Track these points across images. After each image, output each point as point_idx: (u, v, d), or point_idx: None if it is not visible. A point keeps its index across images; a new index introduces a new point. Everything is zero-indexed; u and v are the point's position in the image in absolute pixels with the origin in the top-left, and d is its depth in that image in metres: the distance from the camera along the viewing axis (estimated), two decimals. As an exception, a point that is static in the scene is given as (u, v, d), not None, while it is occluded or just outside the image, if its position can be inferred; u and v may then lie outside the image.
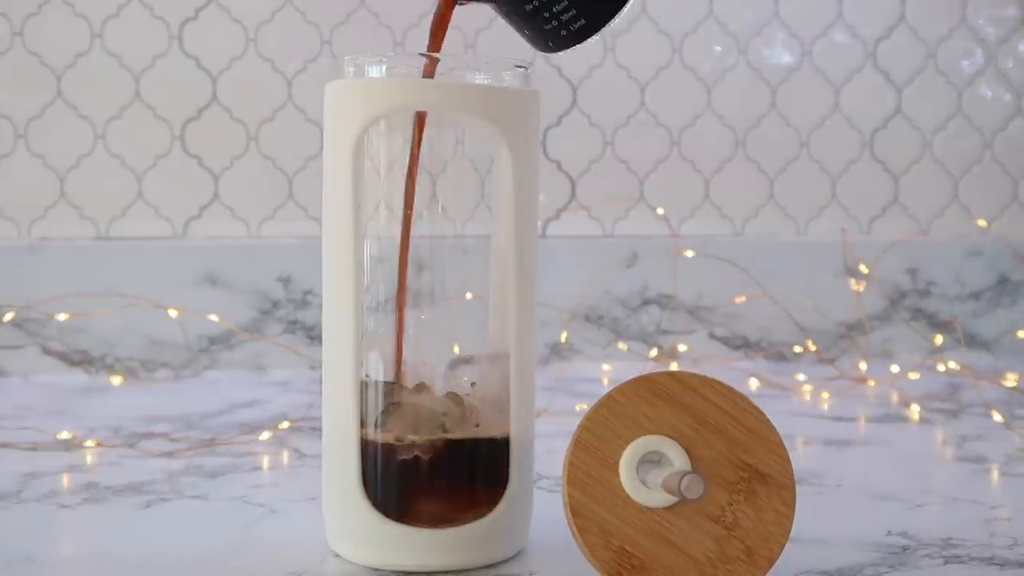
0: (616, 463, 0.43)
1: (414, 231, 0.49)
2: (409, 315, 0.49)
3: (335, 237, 0.47)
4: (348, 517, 0.47)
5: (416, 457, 0.46)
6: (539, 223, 0.59)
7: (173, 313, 0.92)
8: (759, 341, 1.03)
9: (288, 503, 0.57)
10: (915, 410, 0.82)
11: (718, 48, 1.04)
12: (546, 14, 0.48)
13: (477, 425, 0.48)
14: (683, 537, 0.43)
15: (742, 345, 1.03)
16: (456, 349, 0.50)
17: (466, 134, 0.49)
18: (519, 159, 0.48)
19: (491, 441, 0.48)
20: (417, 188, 0.48)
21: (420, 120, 0.48)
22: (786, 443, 0.45)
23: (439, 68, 0.48)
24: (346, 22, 0.97)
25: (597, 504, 0.43)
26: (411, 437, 0.46)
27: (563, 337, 0.99)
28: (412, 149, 0.48)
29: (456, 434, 0.47)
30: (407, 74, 0.48)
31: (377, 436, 0.47)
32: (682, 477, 0.41)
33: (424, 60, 0.48)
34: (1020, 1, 1.08)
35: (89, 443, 0.69)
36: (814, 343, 1.03)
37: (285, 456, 0.67)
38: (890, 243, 1.05)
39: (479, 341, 0.50)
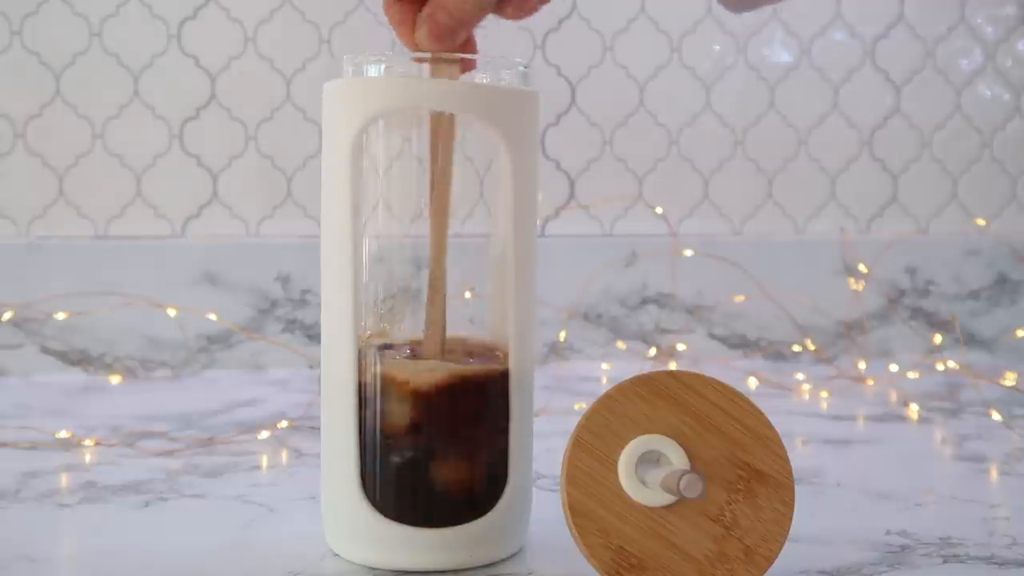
0: (615, 462, 0.43)
1: (413, 230, 0.49)
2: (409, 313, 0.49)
3: (334, 236, 0.47)
4: (347, 516, 0.47)
5: (415, 456, 0.46)
6: (538, 222, 0.59)
7: (172, 312, 0.92)
8: (758, 340, 1.03)
9: (287, 502, 0.57)
10: (914, 409, 0.82)
11: (717, 47, 1.04)
12: None
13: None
14: (682, 536, 0.43)
15: (741, 344, 1.03)
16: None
17: (465, 134, 0.49)
18: (518, 158, 0.47)
19: (490, 440, 0.48)
20: (417, 188, 0.48)
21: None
22: (785, 442, 0.45)
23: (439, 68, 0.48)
24: (344, 21, 0.97)
25: (596, 503, 0.43)
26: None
27: (562, 336, 0.99)
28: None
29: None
30: (405, 73, 0.48)
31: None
32: (681, 476, 0.41)
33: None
34: (1019, 0, 1.08)
35: (88, 442, 0.69)
36: (813, 342, 1.03)
37: (284, 455, 0.67)
38: (889, 242, 1.05)
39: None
